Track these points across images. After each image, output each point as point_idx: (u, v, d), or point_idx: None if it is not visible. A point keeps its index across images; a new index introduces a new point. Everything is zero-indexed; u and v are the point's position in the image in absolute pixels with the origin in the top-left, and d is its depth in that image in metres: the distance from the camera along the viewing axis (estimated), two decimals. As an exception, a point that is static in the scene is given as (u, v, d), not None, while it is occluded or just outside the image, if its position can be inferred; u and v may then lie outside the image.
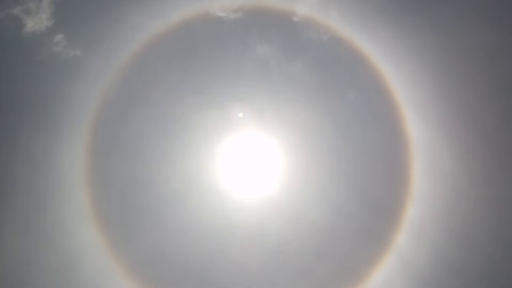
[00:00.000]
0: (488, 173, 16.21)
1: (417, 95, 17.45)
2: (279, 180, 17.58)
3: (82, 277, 16.51)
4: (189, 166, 17.63)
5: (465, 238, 16.15)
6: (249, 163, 17.82)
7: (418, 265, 16.57)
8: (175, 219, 17.22)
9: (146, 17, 16.99)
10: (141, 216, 17.40)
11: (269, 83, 17.22)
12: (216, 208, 17.35)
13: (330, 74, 17.45)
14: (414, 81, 17.19)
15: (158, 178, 17.56)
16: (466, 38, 16.49)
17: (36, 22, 16.10)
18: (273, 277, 16.98)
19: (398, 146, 17.74)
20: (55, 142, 16.95)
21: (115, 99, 17.52)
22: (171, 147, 17.64)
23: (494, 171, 16.18)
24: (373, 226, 17.24)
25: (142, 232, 17.25)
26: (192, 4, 16.98)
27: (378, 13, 17.08)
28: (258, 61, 16.89)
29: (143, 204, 17.46)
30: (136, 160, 17.65)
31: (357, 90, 17.61)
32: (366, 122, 17.67)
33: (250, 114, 17.50)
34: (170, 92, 17.25)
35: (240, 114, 16.78)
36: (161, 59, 17.15)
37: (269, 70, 17.07)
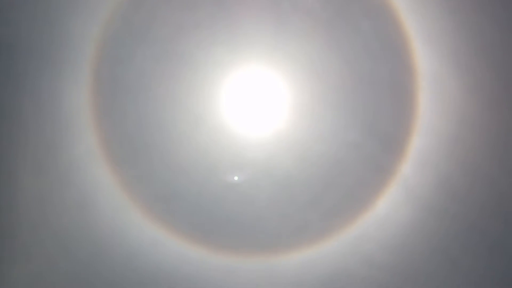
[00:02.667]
0: (496, 101, 16.10)
1: (427, 25, 16.84)
2: (286, 114, 17.47)
3: (97, 215, 16.94)
4: (195, 103, 17.44)
5: (470, 165, 16.38)
6: (256, 98, 17.60)
7: (423, 193, 16.92)
8: (184, 157, 17.33)
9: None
10: (150, 154, 17.49)
11: (274, 14, 16.56)
12: (224, 145, 17.42)
13: (338, 3, 16.72)
14: (424, 11, 16.52)
15: (165, 116, 17.44)
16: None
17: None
18: (282, 208, 17.44)
19: (405, 77, 17.46)
20: (60, 83, 16.62)
21: (116, 37, 16.93)
22: (176, 85, 17.33)
23: (501, 99, 16.07)
24: (379, 157, 17.42)
25: (153, 170, 17.45)
26: None
27: None
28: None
29: (152, 143, 17.49)
30: (141, 99, 17.43)
31: (365, 21, 16.97)
32: (374, 53, 17.24)
33: (256, 49, 17.01)
34: (173, 28, 16.63)
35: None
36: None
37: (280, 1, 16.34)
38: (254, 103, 17.79)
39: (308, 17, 16.53)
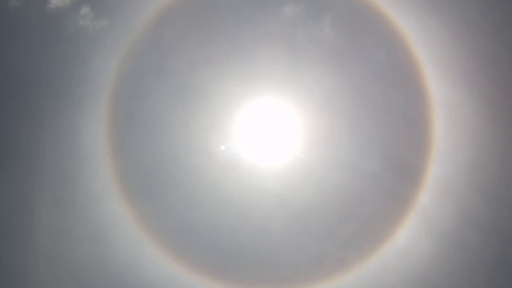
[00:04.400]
0: (514, 128, 15.73)
1: (438, 52, 16.80)
2: (301, 145, 17.40)
3: (112, 249, 16.89)
4: (210, 136, 17.56)
5: (491, 194, 15.85)
6: (270, 129, 17.64)
7: (443, 224, 16.37)
8: (199, 190, 17.28)
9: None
10: (166, 187, 17.51)
11: (290, 46, 16.75)
12: (239, 177, 17.37)
13: (351, 34, 16.86)
14: (436, 39, 16.51)
15: (180, 149, 17.56)
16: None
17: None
18: (298, 241, 17.08)
19: (419, 105, 17.25)
20: (78, 118, 17.00)
21: (132, 72, 17.36)
22: (190, 118, 17.53)
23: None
24: (396, 186, 16.99)
25: (168, 203, 17.40)
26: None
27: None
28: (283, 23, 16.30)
29: (167, 176, 17.54)
30: (157, 133, 17.65)
31: (378, 51, 17.02)
32: (387, 82, 17.19)
33: (270, 81, 17.16)
34: (189, 62, 16.94)
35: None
36: (180, 28, 16.74)
37: (293, 33, 16.53)
38: (268, 135, 17.79)
39: (321, 48, 16.66)
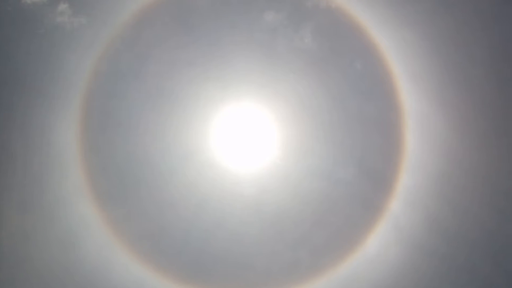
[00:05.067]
0: (483, 141, 16.31)
1: (412, 65, 17.25)
2: (277, 151, 17.49)
3: (82, 253, 16.46)
4: (186, 139, 17.41)
5: (459, 205, 16.38)
6: (247, 134, 17.65)
7: (413, 233, 16.82)
8: (173, 193, 17.10)
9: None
10: (139, 190, 17.23)
11: (270, 53, 16.81)
12: (213, 181, 17.28)
13: (331, 44, 17.08)
14: (411, 52, 16.94)
15: (155, 152, 17.32)
16: (463, 5, 16.19)
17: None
18: (271, 246, 17.16)
19: (393, 116, 17.68)
20: (50, 118, 16.46)
21: (109, 72, 16.98)
22: (167, 121, 17.32)
23: (489, 139, 16.28)
24: (369, 194, 17.34)
25: (141, 206, 17.12)
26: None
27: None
28: (264, 29, 16.34)
29: (141, 179, 17.26)
30: (132, 135, 17.34)
31: (355, 61, 17.33)
32: (363, 92, 17.51)
33: (248, 85, 17.17)
34: (168, 63, 16.73)
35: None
36: (160, 29, 16.51)
37: (274, 40, 16.60)
38: (245, 140, 17.79)
39: (301, 56, 16.81)
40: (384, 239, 16.96)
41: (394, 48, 17.18)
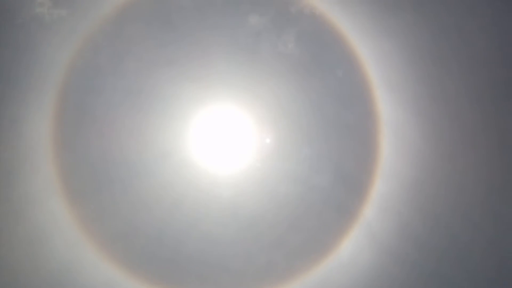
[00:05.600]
0: (456, 151, 16.85)
1: (389, 75, 17.67)
2: (255, 154, 17.52)
3: (51, 252, 15.95)
4: (162, 138, 17.19)
5: (431, 213, 16.82)
6: (224, 136, 17.60)
7: (385, 238, 17.18)
8: (148, 192, 16.83)
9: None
10: (112, 189, 16.87)
11: (252, 56, 16.86)
12: (189, 181, 17.12)
13: (312, 51, 17.29)
14: (389, 63, 17.34)
15: (130, 150, 17.02)
16: (442, 19, 16.72)
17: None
18: (245, 248, 17.13)
19: (369, 123, 18.04)
20: (21, 109, 15.93)
21: (86, 67, 16.60)
22: (144, 119, 17.06)
23: (462, 150, 16.83)
24: (343, 199, 17.61)
25: (114, 205, 16.77)
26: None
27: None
28: (247, 33, 16.38)
29: (115, 177, 16.92)
30: (106, 132, 16.98)
31: (335, 68, 17.60)
32: (341, 99, 17.78)
33: (228, 87, 17.15)
34: (148, 61, 16.52)
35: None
36: (142, 26, 16.28)
37: (256, 43, 16.67)
38: (222, 141, 17.74)
39: (282, 61, 16.96)
40: (357, 244, 17.22)
41: (373, 58, 17.54)
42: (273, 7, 16.31)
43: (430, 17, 16.53)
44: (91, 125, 16.83)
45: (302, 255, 17.10)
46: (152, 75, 16.62)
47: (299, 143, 17.71)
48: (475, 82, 16.18)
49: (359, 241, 17.17)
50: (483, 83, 16.16)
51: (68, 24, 15.33)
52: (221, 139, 17.58)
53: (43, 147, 16.52)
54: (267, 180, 17.49)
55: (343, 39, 17.33)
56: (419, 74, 17.17)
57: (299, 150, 17.67)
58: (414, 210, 16.72)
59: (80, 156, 16.93)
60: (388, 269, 16.73)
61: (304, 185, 17.35)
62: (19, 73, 15.70)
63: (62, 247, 15.91)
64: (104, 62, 16.32)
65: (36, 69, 15.77)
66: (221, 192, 17.00)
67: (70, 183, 16.67)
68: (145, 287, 15.89)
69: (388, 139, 17.55)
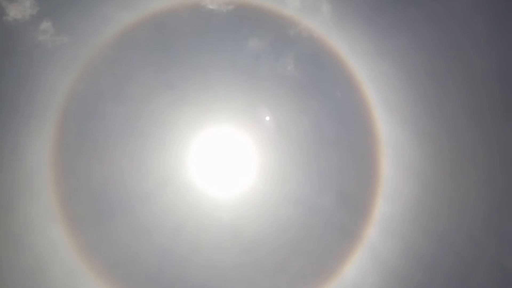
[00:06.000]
0: (457, 170, 16.78)
1: (388, 95, 17.79)
2: (256, 177, 17.44)
3: (51, 279, 15.70)
4: (162, 163, 17.15)
5: (434, 233, 16.60)
6: (224, 160, 17.57)
7: (389, 260, 16.88)
8: (148, 218, 16.65)
9: (123, 8, 16.24)
10: (113, 215, 16.71)
11: (252, 79, 16.99)
12: (190, 206, 16.97)
13: (311, 73, 17.44)
14: (387, 83, 17.49)
15: (131, 176, 16.94)
16: (437, 39, 16.92)
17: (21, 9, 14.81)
18: (248, 273, 16.86)
19: (369, 144, 18.03)
20: (22, 136, 15.94)
21: (86, 93, 16.70)
22: (144, 144, 17.06)
23: (463, 168, 16.76)
24: (346, 221, 17.41)
25: (115, 232, 16.57)
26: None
27: (353, 13, 17.23)
28: (247, 56, 16.57)
29: (115, 203, 16.77)
30: (107, 157, 16.95)
31: (334, 91, 17.72)
32: (341, 121, 17.84)
33: (228, 110, 17.22)
34: (148, 86, 16.62)
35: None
36: (142, 51, 16.46)
37: (256, 66, 16.82)
38: (223, 165, 17.67)
39: (281, 83, 17.08)
40: (361, 267, 16.96)
41: (371, 79, 17.68)
42: (272, 31, 16.55)
43: (427, 37, 16.76)
44: (92, 151, 16.81)
45: (305, 280, 16.82)
46: (152, 100, 16.72)
47: (299, 165, 17.67)
48: (473, 100, 16.28)
49: (363, 263, 16.94)
50: (481, 100, 16.26)
51: (71, 50, 15.51)
52: (221, 162, 17.54)
53: (43, 174, 16.47)
54: (268, 202, 17.38)
55: (341, 61, 17.51)
56: (417, 94, 17.29)
57: (299, 172, 17.62)
58: (418, 230, 16.55)
59: (80, 183, 16.87)
60: (393, 292, 16.43)
61: (306, 207, 17.23)
62: (21, 99, 15.81)
63: (62, 275, 15.66)
64: (104, 88, 16.44)
65: (37, 95, 15.88)
66: (222, 216, 16.86)
67: (70, 210, 16.55)
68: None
69: (389, 159, 17.53)
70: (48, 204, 16.38)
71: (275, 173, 17.55)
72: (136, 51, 16.33)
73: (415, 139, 17.14)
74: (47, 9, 15.60)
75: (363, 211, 17.39)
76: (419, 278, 16.24)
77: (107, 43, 16.11)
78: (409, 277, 16.40)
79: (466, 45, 16.45)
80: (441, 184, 16.50)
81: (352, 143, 17.91)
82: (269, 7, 16.87)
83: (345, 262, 17.13)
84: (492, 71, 17.02)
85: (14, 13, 15.30)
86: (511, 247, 15.48)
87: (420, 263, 16.41)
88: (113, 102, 16.76)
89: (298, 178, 17.58)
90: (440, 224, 16.39)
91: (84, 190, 16.82)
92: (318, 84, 17.73)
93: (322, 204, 17.31)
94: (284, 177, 17.58)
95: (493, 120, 16.56)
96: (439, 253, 16.20)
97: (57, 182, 16.62)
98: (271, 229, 17.18)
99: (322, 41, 17.39)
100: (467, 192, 16.28)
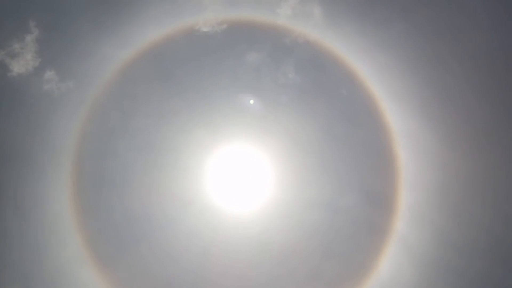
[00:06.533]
0: (474, 150, 16.61)
1: (393, 86, 17.78)
2: (275, 187, 17.43)
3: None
4: (181, 188, 17.24)
5: (463, 215, 16.40)
6: (243, 175, 17.61)
7: (422, 249, 16.66)
8: (175, 245, 16.71)
9: (119, 46, 16.63)
10: (140, 247, 16.79)
11: (256, 93, 17.13)
12: (214, 227, 16.99)
13: (313, 77, 17.54)
14: (389, 74, 17.48)
15: (152, 206, 17.06)
16: (433, 22, 16.94)
17: (23, 63, 15.27)
18: (282, 285, 16.74)
19: (382, 136, 17.96)
20: (42, 186, 16.18)
21: (96, 133, 16.96)
22: (160, 172, 17.21)
23: (479, 147, 16.58)
24: (372, 217, 17.22)
25: (144, 263, 16.65)
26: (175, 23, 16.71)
27: (345, 11, 17.39)
28: (247, 71, 16.76)
29: (140, 235, 16.87)
30: (126, 192, 17.09)
31: (339, 90, 17.77)
32: (350, 118, 17.83)
33: (237, 126, 17.33)
34: (155, 116, 16.86)
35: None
36: (145, 82, 16.75)
37: (258, 79, 16.98)
38: (241, 181, 17.69)
39: (285, 92, 17.19)
40: (395, 260, 16.73)
41: (373, 72, 17.72)
42: (268, 42, 16.76)
43: (422, 22, 16.80)
44: (111, 187, 17.01)
45: (342, 282, 16.61)
46: (161, 129, 16.94)
47: (316, 169, 17.64)
48: (479, 78, 16.20)
49: (397, 256, 16.71)
50: (487, 77, 16.17)
51: (77, 94, 15.86)
52: (239, 178, 17.60)
53: (67, 218, 16.67)
54: (291, 211, 17.32)
55: (341, 60, 17.61)
56: (421, 80, 17.26)
57: (318, 176, 17.58)
58: (446, 215, 16.32)
59: (104, 220, 17.01)
60: (432, 281, 16.14)
61: (330, 210, 17.11)
62: (35, 149, 16.13)
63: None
64: (114, 124, 16.71)
65: (51, 143, 16.19)
66: (247, 232, 16.81)
67: (98, 249, 16.66)
68: None
69: (404, 148, 17.42)
70: (77, 247, 16.52)
71: (294, 181, 17.55)
72: (138, 84, 16.64)
73: (427, 125, 17.06)
74: (48, 59, 16.04)
75: (388, 205, 17.24)
76: (455, 263, 15.96)
77: (110, 81, 16.45)
78: (445, 263, 16.14)
79: (464, 24, 16.45)
80: (461, 166, 16.33)
81: (365, 139, 17.87)
82: (261, 19, 17.13)
83: (379, 258, 16.92)
84: (493, 47, 16.96)
85: (17, 68, 15.76)
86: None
87: (454, 247, 16.15)
88: (124, 137, 17.00)
89: (317, 182, 17.54)
90: (467, 205, 16.18)
91: (109, 227, 16.96)
92: (322, 86, 17.82)
93: (346, 204, 17.21)
94: (303, 183, 17.55)
95: (502, 95, 16.43)
96: (472, 234, 15.94)
97: (82, 223, 16.79)
98: (299, 237, 17.09)
99: (318, 44, 17.55)
100: (488, 170, 16.07)
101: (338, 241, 17.06)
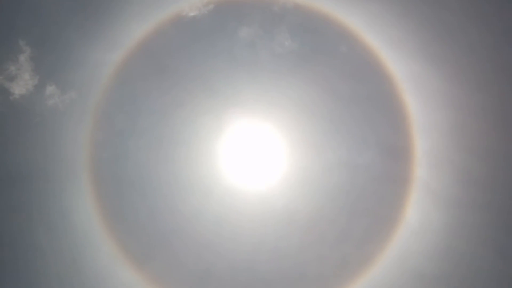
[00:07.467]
0: (482, 80, 16.34)
1: (390, 33, 17.53)
2: (291, 157, 17.48)
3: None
4: (199, 177, 17.28)
5: (480, 150, 16.32)
6: (257, 152, 17.64)
7: (446, 191, 16.63)
8: (205, 234, 16.86)
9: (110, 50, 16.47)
10: (171, 242, 16.98)
11: (250, 68, 16.94)
12: (241, 207, 17.15)
13: (307, 39, 17.30)
14: (385, 21, 17.21)
15: (174, 199, 17.17)
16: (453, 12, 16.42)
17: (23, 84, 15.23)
18: (316, 251, 16.97)
19: (388, 88, 17.84)
20: (68, 200, 16.34)
21: (107, 136, 17.01)
22: (176, 166, 17.27)
23: (486, 77, 16.35)
24: (392, 169, 17.23)
25: (179, 257, 16.84)
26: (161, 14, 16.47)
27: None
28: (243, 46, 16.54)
29: (170, 230, 17.03)
30: (149, 192, 17.22)
31: (336, 47, 17.55)
32: (353, 75, 17.67)
33: (245, 103, 17.25)
34: (161, 110, 16.79)
35: None
36: (143, 81, 16.63)
37: (255, 53, 16.78)
38: (256, 158, 17.67)
39: (285, 60, 16.96)
40: (421, 207, 16.90)
41: (366, 24, 17.45)
42: (258, 14, 16.49)
43: (441, 11, 16.26)
44: (131, 188, 17.15)
45: (372, 238, 16.86)
46: (168, 122, 16.91)
47: (328, 131, 17.64)
48: (478, 7, 15.78)
49: (422, 203, 16.87)
50: (486, 6, 15.77)
51: (81, 103, 15.84)
52: (254, 156, 17.65)
53: (96, 228, 16.89)
54: (312, 176, 17.40)
55: (333, 16, 17.33)
56: (416, 21, 16.96)
57: (331, 138, 17.57)
58: (464, 153, 16.34)
59: (131, 221, 17.23)
60: (460, 220, 16.30)
61: (349, 169, 17.18)
62: (50, 166, 16.24)
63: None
64: (121, 126, 16.72)
65: (64, 156, 16.29)
66: (273, 206, 16.97)
67: (131, 250, 16.93)
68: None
69: (411, 94, 17.29)
70: (110, 252, 16.80)
71: (309, 147, 17.57)
72: (137, 82, 16.55)
73: (431, 65, 16.88)
74: (46, 74, 15.95)
75: (405, 153, 17.29)
76: (480, 200, 16.10)
77: (109, 84, 16.38)
78: (470, 201, 16.28)
79: (484, 17, 15.86)
80: (471, 100, 16.21)
81: (371, 92, 17.82)
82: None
83: (405, 208, 17.11)
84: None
85: (18, 89, 15.72)
86: None
87: (476, 184, 16.28)
88: (134, 137, 17.03)
89: (332, 144, 17.57)
90: (483, 139, 16.19)
91: (137, 227, 17.18)
92: (320, 47, 17.63)
93: (364, 161, 17.30)
94: (318, 147, 17.58)
95: (504, 21, 16.09)
96: (492, 168, 16.00)
97: (110, 228, 17.04)
98: (324, 201, 17.24)
99: (308, 6, 17.26)
100: (499, 100, 15.96)
101: (362, 198, 17.22)
